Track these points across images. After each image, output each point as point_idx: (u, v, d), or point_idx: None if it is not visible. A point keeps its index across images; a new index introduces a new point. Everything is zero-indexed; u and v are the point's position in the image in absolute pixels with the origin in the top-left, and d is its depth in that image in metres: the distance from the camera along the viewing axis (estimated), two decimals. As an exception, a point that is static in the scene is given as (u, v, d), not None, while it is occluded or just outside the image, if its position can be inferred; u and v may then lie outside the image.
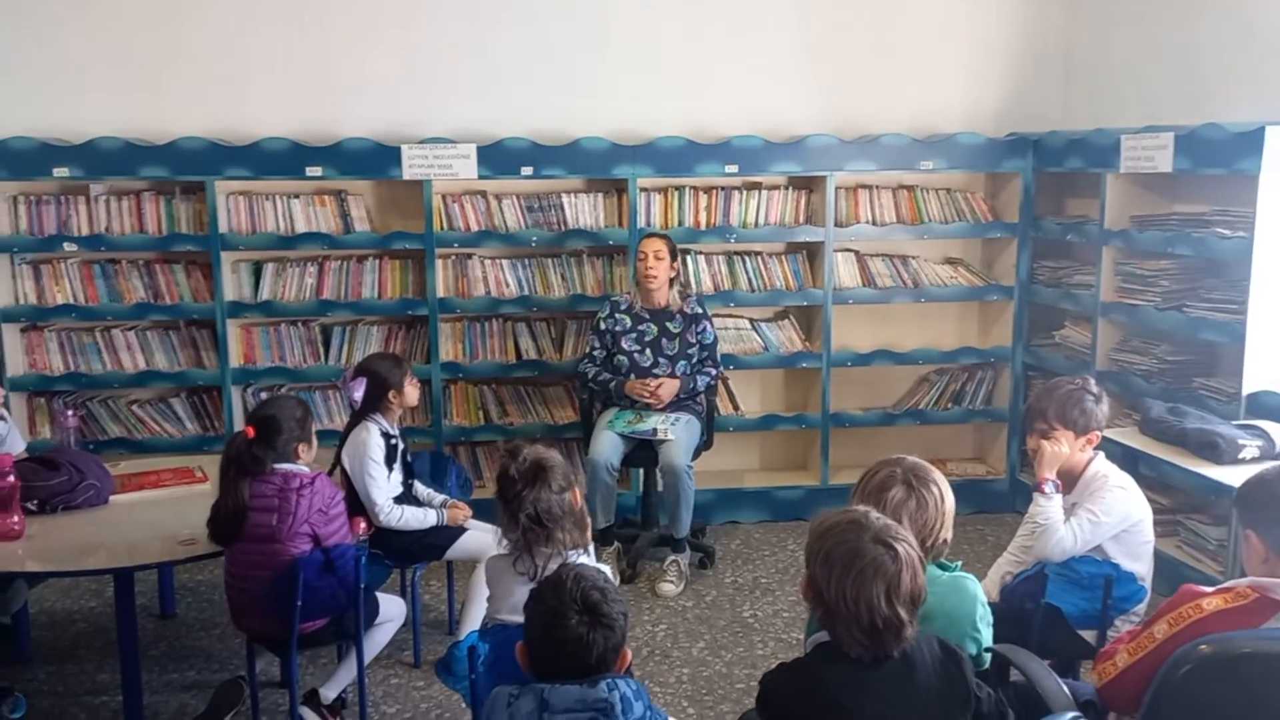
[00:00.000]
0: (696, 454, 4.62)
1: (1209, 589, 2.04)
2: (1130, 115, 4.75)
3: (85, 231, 4.85)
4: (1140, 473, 3.69)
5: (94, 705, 3.58)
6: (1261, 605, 1.94)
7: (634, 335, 4.63)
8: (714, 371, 4.70)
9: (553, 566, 2.42)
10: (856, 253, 5.30)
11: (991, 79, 5.39)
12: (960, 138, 5.12)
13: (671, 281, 4.62)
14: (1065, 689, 2.14)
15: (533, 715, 1.82)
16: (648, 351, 4.62)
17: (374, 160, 4.83)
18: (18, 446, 3.94)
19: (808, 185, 5.20)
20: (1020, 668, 2.22)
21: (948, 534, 2.29)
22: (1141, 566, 2.89)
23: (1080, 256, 5.02)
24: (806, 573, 1.97)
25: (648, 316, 4.64)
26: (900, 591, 1.82)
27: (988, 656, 2.25)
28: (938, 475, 2.31)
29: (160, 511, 3.60)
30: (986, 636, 2.25)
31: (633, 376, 4.60)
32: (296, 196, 4.95)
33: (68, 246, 4.82)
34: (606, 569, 2.15)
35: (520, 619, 2.08)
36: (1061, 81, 5.39)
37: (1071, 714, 1.74)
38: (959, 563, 2.34)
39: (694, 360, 4.66)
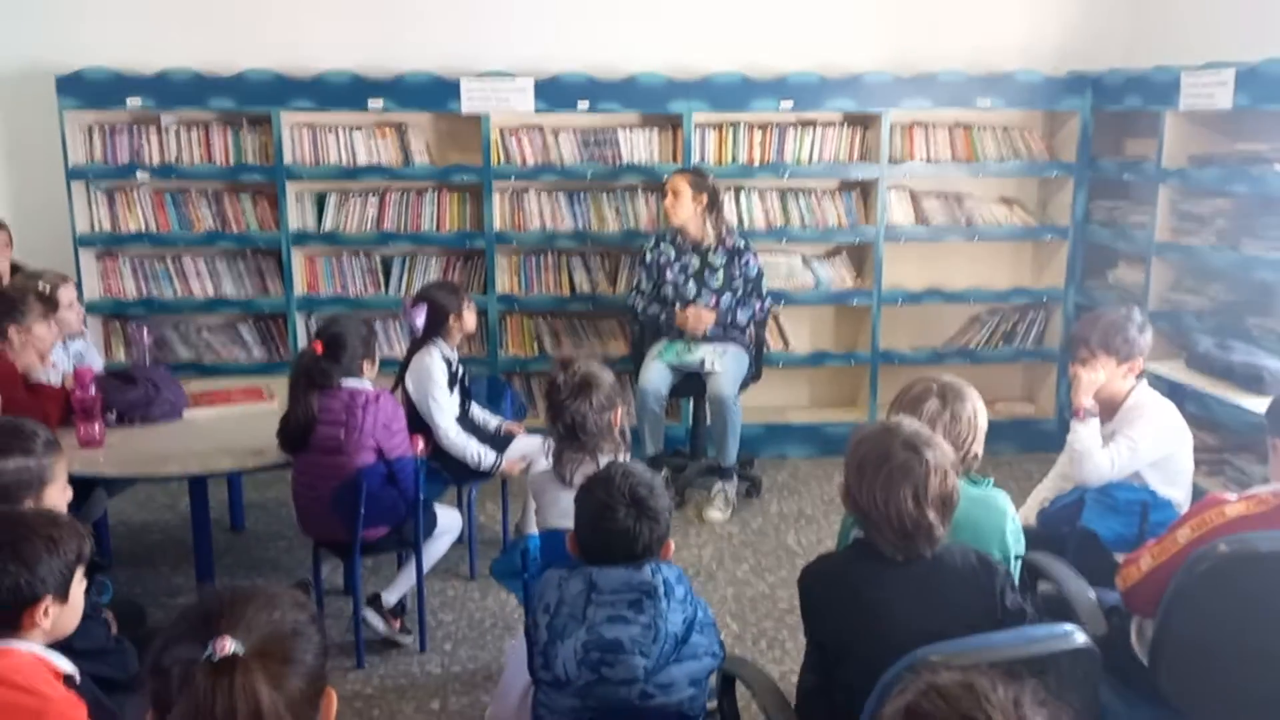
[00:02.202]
0: (744, 386, 4.70)
1: (1232, 496, 2.10)
2: (1193, 52, 4.67)
3: (157, 161, 5.01)
4: (1187, 410, 3.70)
5: (170, 604, 3.80)
6: (1283, 511, 2.00)
7: (678, 266, 4.69)
8: (757, 305, 4.74)
9: (584, 471, 2.57)
10: (910, 190, 5.30)
11: (1052, 15, 5.32)
12: (1018, 75, 5.09)
13: (704, 216, 4.60)
14: (1091, 592, 2.21)
15: (581, 595, 1.94)
16: (691, 283, 4.68)
17: (433, 93, 4.92)
18: (96, 364, 4.15)
19: (863, 122, 5.21)
20: (1047, 572, 2.30)
21: (979, 448, 2.38)
22: (1178, 493, 2.94)
23: (1136, 196, 4.98)
24: (843, 479, 2.06)
25: (691, 249, 4.69)
26: (928, 494, 1.91)
27: (1018, 566, 2.33)
28: (972, 392, 2.39)
29: (230, 426, 3.78)
30: (1015, 549, 2.32)
31: (678, 307, 4.67)
32: (358, 129, 5.07)
33: (140, 175, 4.99)
34: None
35: (569, 524, 2.21)
36: (1124, 17, 5.29)
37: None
38: (990, 479, 2.41)
39: (739, 294, 4.70)
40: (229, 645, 1.26)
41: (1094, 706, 1.77)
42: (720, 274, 4.67)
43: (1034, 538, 2.78)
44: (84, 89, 4.83)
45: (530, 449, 3.89)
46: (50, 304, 3.77)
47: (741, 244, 4.70)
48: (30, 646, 1.76)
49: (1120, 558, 2.88)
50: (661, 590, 1.94)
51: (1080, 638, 1.69)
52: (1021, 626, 1.89)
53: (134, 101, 4.87)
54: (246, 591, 1.36)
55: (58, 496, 2.28)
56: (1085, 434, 2.95)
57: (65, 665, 1.78)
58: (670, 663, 1.94)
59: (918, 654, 1.41)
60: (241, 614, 1.31)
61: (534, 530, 2.90)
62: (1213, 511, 2.06)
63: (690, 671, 1.97)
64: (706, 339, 4.65)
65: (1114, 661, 2.18)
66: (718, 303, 4.66)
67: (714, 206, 4.63)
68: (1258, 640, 1.92)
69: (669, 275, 4.70)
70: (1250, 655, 1.93)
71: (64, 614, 1.83)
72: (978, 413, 2.37)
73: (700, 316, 4.58)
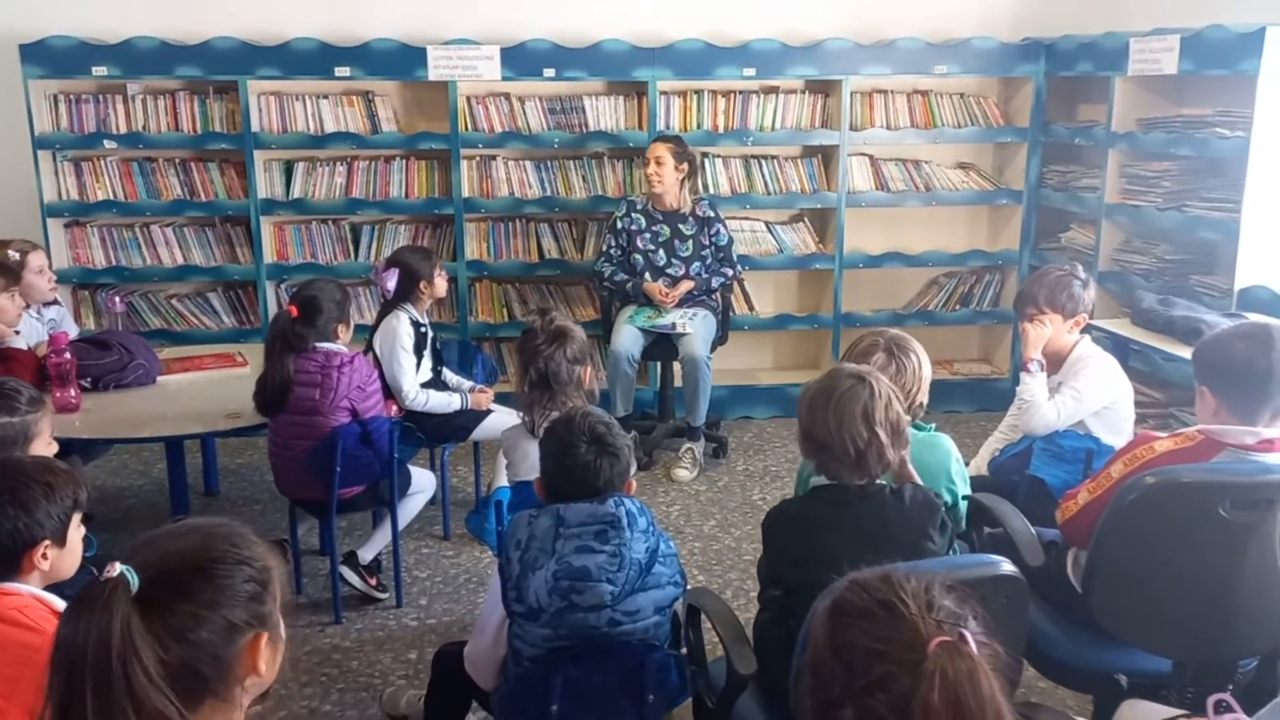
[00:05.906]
0: (712, 349, 4.82)
1: (1162, 434, 2.24)
2: (1142, 18, 4.81)
3: (123, 130, 5.02)
4: (1133, 366, 3.87)
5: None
6: (1207, 445, 2.14)
7: (649, 235, 4.80)
8: (730, 273, 4.87)
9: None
10: (870, 157, 5.42)
11: (1008, -17, 5.43)
12: (974, 42, 5.20)
13: (683, 183, 4.74)
14: (1031, 529, 2.36)
15: (550, 529, 2.06)
16: (661, 252, 4.79)
17: (400, 61, 4.96)
18: (72, 330, 4.20)
19: (824, 89, 5.31)
20: (991, 510, 2.44)
21: (924, 398, 2.52)
22: (1121, 441, 3.07)
23: (1088, 160, 5.13)
24: (798, 428, 2.18)
25: (661, 218, 4.80)
26: (876, 415, 2.02)
27: (964, 506, 2.47)
28: (917, 345, 2.54)
29: (205, 390, 3.85)
30: (962, 489, 2.46)
31: (648, 276, 4.77)
32: (325, 97, 5.11)
33: (107, 144, 5.00)
34: None
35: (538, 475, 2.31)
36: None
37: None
38: (934, 425, 2.55)
39: (708, 262, 4.82)
40: (116, 569, 1.23)
41: (1021, 632, 1.90)
42: (690, 243, 4.78)
43: (985, 485, 2.92)
44: (48, 57, 4.83)
45: (505, 418, 3.96)
46: (12, 276, 3.78)
47: (711, 213, 4.81)
48: (29, 588, 1.85)
49: (1065, 502, 3.05)
50: (625, 521, 2.06)
51: (1007, 567, 1.80)
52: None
53: (99, 70, 4.88)
54: (182, 525, 1.35)
55: (43, 451, 2.35)
56: (1033, 385, 3.09)
57: (61, 605, 1.87)
58: (636, 590, 2.07)
59: (848, 576, 1.52)
60: (153, 543, 1.30)
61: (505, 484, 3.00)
62: (1143, 448, 2.20)
63: (655, 600, 2.11)
64: (677, 304, 4.76)
65: (1051, 591, 2.33)
66: (688, 272, 4.77)
67: (692, 174, 4.77)
68: (1179, 564, 2.06)
69: (639, 244, 4.80)
70: (1172, 578, 2.08)
71: (62, 557, 1.92)
72: (922, 363, 2.51)
73: (678, 289, 4.68)
